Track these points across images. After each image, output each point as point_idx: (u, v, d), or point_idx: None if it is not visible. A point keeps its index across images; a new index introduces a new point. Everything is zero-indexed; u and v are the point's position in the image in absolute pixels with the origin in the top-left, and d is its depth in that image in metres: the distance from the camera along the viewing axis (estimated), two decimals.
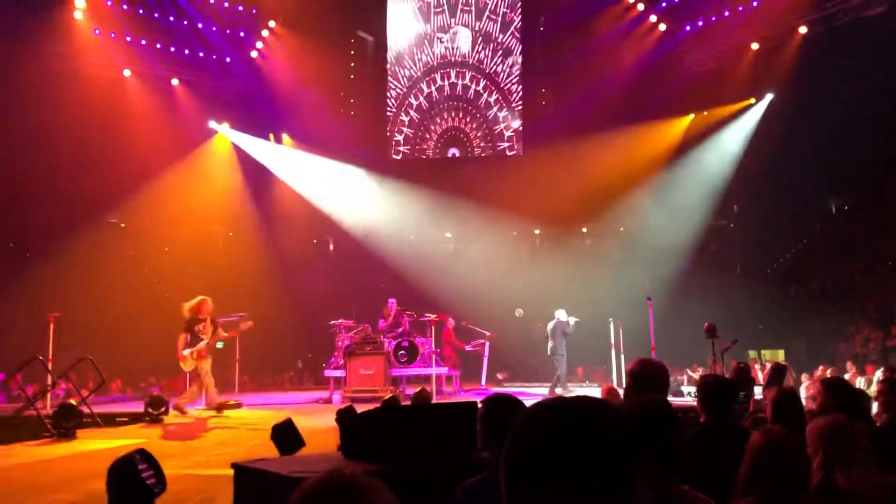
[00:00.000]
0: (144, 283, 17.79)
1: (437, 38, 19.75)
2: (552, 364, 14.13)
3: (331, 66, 18.99)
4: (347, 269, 18.83)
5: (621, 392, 7.82)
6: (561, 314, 14.16)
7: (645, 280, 16.36)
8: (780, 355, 14.93)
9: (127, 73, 17.66)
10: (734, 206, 18.45)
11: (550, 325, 14.18)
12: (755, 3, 16.18)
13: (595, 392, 11.67)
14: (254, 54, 19.03)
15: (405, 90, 19.92)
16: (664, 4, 17.58)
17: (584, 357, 16.81)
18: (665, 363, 5.06)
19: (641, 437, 2.33)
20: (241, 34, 18.94)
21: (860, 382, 12.14)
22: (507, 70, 19.36)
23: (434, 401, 10.17)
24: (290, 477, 3.73)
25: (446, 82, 19.77)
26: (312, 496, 1.45)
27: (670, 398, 3.90)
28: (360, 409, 6.40)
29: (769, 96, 16.91)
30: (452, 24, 19.68)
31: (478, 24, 19.56)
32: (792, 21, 15.92)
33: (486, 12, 19.48)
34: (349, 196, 19.09)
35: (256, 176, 19.02)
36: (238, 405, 12.39)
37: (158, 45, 18.00)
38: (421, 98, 19.84)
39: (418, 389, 9.05)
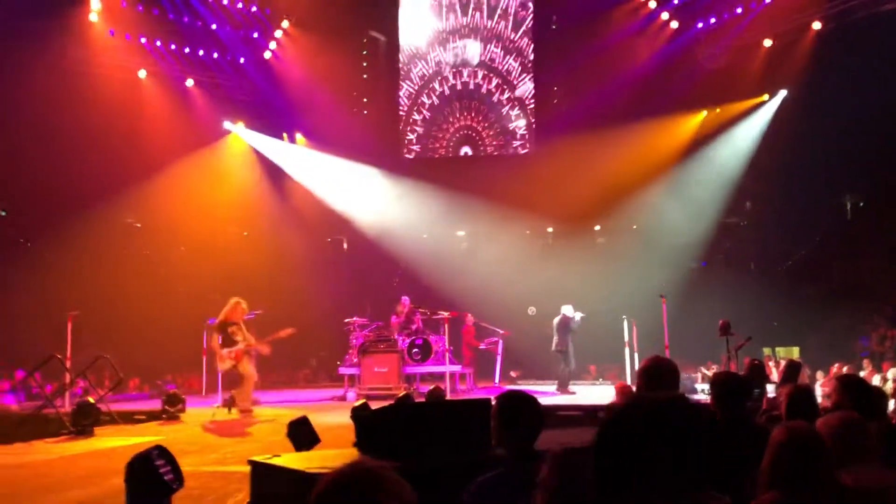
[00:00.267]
0: (160, 282, 17.91)
1: (449, 38, 19.76)
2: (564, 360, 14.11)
3: (343, 65, 19.05)
4: (361, 267, 18.90)
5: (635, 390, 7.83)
6: (567, 309, 14.13)
7: (658, 277, 16.32)
8: (795, 352, 14.87)
9: (142, 73, 17.79)
10: (747, 203, 18.36)
11: (556, 320, 14.16)
12: (768, 0, 16.09)
13: (608, 390, 11.67)
14: (267, 55, 19.13)
15: (417, 89, 19.96)
16: (676, 2, 17.51)
17: (597, 355, 16.80)
18: (678, 361, 5.08)
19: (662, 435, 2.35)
20: (255, 35, 19.04)
21: (876, 380, 12.07)
22: (519, 68, 19.35)
23: (448, 398, 10.22)
24: (306, 473, 3.78)
25: (458, 81, 19.79)
26: (336, 486, 1.49)
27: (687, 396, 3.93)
28: (375, 406, 6.45)
29: (782, 93, 16.80)
30: (464, 24, 19.68)
31: (489, 22, 19.56)
32: (806, 17, 15.82)
33: (498, 11, 19.48)
34: (362, 195, 19.14)
35: (270, 175, 19.11)
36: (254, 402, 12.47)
37: (173, 46, 18.13)
38: (433, 97, 19.87)
39: (432, 387, 9.09)
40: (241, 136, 18.96)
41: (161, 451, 3.86)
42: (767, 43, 16.44)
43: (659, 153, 17.47)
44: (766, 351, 15.22)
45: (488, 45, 19.61)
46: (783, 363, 11.99)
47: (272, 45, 19.14)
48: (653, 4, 17.60)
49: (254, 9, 18.75)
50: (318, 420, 6.51)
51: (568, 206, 17.51)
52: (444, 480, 3.57)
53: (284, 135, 19.40)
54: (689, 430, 1.28)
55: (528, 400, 3.56)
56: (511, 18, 19.37)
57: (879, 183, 17.16)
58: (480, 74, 19.65)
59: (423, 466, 3.90)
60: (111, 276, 16.73)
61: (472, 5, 19.61)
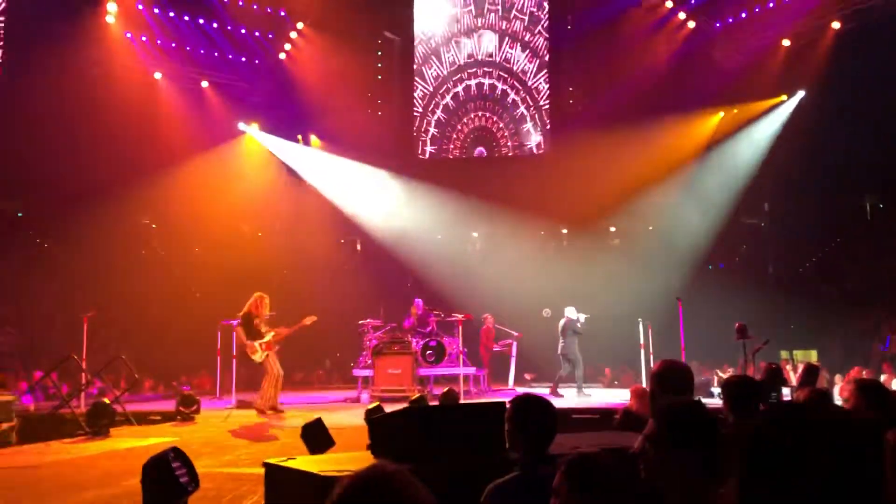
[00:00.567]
0: (175, 282, 18.01)
1: (464, 38, 19.74)
2: (570, 364, 13.98)
3: (358, 66, 19.08)
4: (375, 268, 18.90)
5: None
6: (570, 311, 13.99)
7: (674, 279, 16.22)
8: (813, 356, 14.72)
9: (158, 75, 17.91)
10: (765, 204, 18.22)
11: (561, 322, 14.05)
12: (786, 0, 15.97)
13: (624, 393, 11.60)
14: (282, 56, 19.19)
15: (432, 90, 19.95)
16: (693, 2, 17.40)
17: (612, 358, 16.71)
18: (694, 364, 5.03)
19: (680, 437, 2.32)
20: (270, 36, 19.11)
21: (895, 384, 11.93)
22: (535, 69, 19.30)
23: (461, 401, 10.20)
24: (320, 476, 3.77)
25: (473, 81, 19.77)
26: (357, 489, 1.48)
27: (703, 400, 3.88)
28: (388, 408, 6.44)
29: (801, 93, 16.66)
30: (479, 25, 19.67)
31: (505, 23, 19.53)
32: (825, 17, 15.67)
33: (514, 11, 19.44)
34: (376, 196, 19.16)
35: (284, 176, 19.16)
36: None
37: (188, 48, 18.24)
38: (448, 97, 19.86)
39: (446, 389, 9.08)
40: (256, 138, 19.03)
41: (177, 453, 3.85)
42: (786, 43, 16.30)
43: (675, 154, 17.36)
44: (784, 354, 15.08)
45: (503, 46, 19.57)
46: (801, 367, 11.87)
47: (287, 46, 19.19)
48: (669, 4, 17.49)
49: (269, 10, 18.81)
50: (332, 422, 6.50)
51: (583, 207, 17.45)
52: (459, 484, 3.54)
53: (299, 136, 19.44)
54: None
55: (542, 403, 3.54)
56: (526, 18, 19.33)
57: None
58: (495, 75, 19.61)
59: (438, 470, 3.88)
60: (126, 276, 16.85)
61: (486, 5, 19.59)
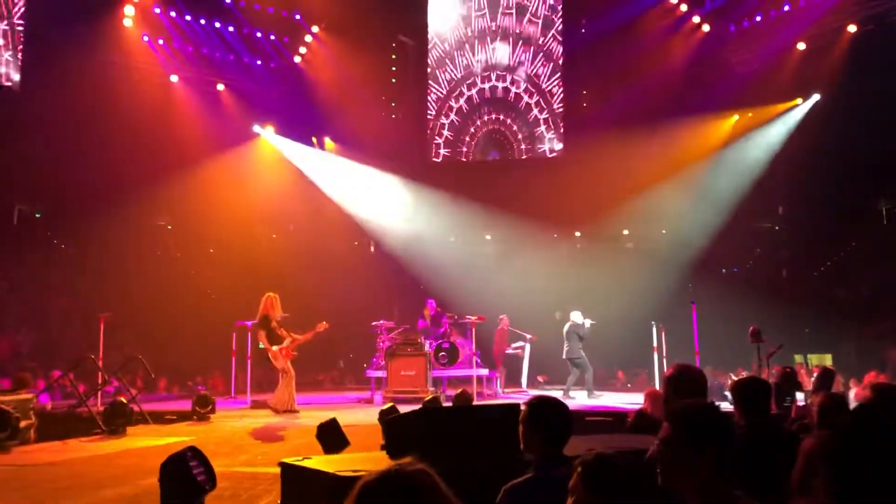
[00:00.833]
0: (189, 283, 18.14)
1: (478, 42, 19.78)
2: (578, 368, 13.92)
3: (372, 70, 19.14)
4: (388, 270, 18.95)
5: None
6: (576, 316, 13.91)
7: (688, 283, 16.17)
8: (828, 360, 14.64)
9: (174, 78, 18.06)
10: (780, 207, 18.14)
11: (566, 327, 13.99)
12: (802, 3, 15.88)
13: (636, 397, 11.58)
14: (297, 59, 19.30)
15: (446, 93, 19.99)
16: (708, 5, 17.36)
17: (625, 361, 16.69)
18: (707, 367, 5.02)
19: (695, 440, 2.34)
20: (285, 39, 19.22)
21: None
22: (549, 72, 19.31)
23: (475, 403, 10.20)
24: (336, 476, 3.80)
25: (487, 85, 19.79)
26: (381, 485, 1.51)
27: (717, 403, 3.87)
28: (402, 409, 6.48)
29: (816, 96, 16.58)
30: (493, 28, 19.69)
31: (518, 26, 19.54)
32: (841, 20, 15.59)
33: (527, 15, 19.46)
34: (390, 198, 19.20)
35: (299, 178, 19.24)
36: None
37: (204, 51, 18.38)
38: (461, 101, 19.90)
39: (459, 391, 9.08)
40: (270, 142, 19.13)
41: (195, 452, 3.91)
42: (801, 46, 16.23)
43: (689, 157, 17.30)
44: (798, 358, 15.00)
45: (517, 49, 19.59)
46: (815, 371, 11.80)
47: (302, 49, 19.30)
48: (684, 8, 17.46)
49: (284, 14, 18.93)
50: (345, 422, 6.55)
51: (596, 211, 17.43)
52: (473, 485, 3.57)
53: (314, 138, 19.53)
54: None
55: (557, 405, 3.56)
56: (540, 22, 19.33)
57: None
58: (509, 78, 19.63)
59: (452, 471, 3.91)
60: (142, 277, 17.00)
61: (500, 9, 19.61)
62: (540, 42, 19.36)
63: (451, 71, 19.97)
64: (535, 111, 19.38)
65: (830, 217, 17.23)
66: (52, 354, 15.33)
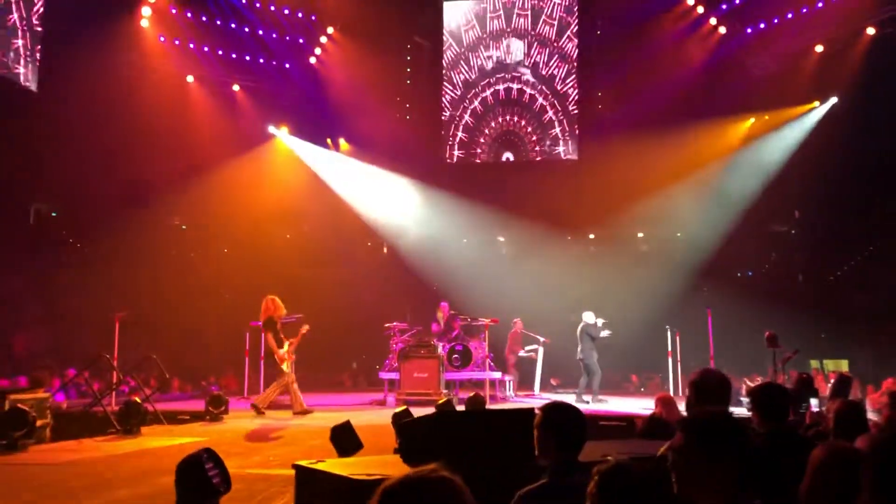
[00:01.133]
0: (204, 283, 18.23)
1: (493, 43, 19.77)
2: (587, 370, 13.83)
3: (387, 71, 19.17)
4: (401, 272, 18.96)
5: (677, 401, 7.69)
6: (588, 316, 13.78)
7: (702, 287, 16.08)
8: (844, 365, 14.53)
9: (190, 78, 18.16)
10: (796, 211, 18.00)
11: (579, 328, 13.89)
12: (820, 4, 15.75)
13: (648, 402, 11.52)
14: (312, 60, 19.35)
15: (460, 94, 19.99)
16: (724, 7, 17.26)
17: (639, 364, 16.62)
18: (722, 372, 4.96)
19: (708, 449, 2.32)
20: (301, 40, 19.28)
21: None
22: (564, 74, 19.26)
23: (488, 406, 10.19)
24: (351, 479, 3.80)
25: (501, 86, 19.77)
26: (407, 490, 1.50)
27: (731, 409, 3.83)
28: (414, 412, 6.47)
29: (833, 99, 16.44)
30: (508, 30, 19.67)
31: (534, 28, 19.51)
32: (860, 22, 15.45)
33: (543, 16, 19.42)
34: (403, 200, 19.22)
35: (313, 179, 19.29)
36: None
37: (220, 52, 18.47)
38: (476, 102, 19.88)
39: (472, 394, 9.07)
40: (285, 143, 19.19)
41: (210, 454, 3.92)
42: (819, 49, 16.11)
43: (705, 160, 17.21)
44: (814, 363, 14.90)
45: (532, 50, 19.56)
46: (832, 377, 11.71)
47: (317, 50, 19.35)
48: (700, 10, 17.37)
49: (300, 14, 18.99)
50: (358, 423, 6.55)
51: (610, 213, 17.38)
52: (487, 491, 3.56)
53: (328, 139, 19.58)
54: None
55: (573, 411, 3.55)
56: (555, 23, 19.29)
57: None
58: (524, 79, 19.60)
59: (467, 475, 3.90)
60: (157, 276, 17.09)
61: (516, 10, 19.58)
62: (555, 43, 19.31)
63: (466, 72, 19.96)
64: (550, 113, 19.34)
65: (847, 221, 17.07)
66: (67, 353, 15.43)
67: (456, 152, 19.97)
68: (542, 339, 15.39)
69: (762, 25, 16.85)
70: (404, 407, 7.75)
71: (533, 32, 19.51)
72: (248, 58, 18.82)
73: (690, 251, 17.29)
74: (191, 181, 17.05)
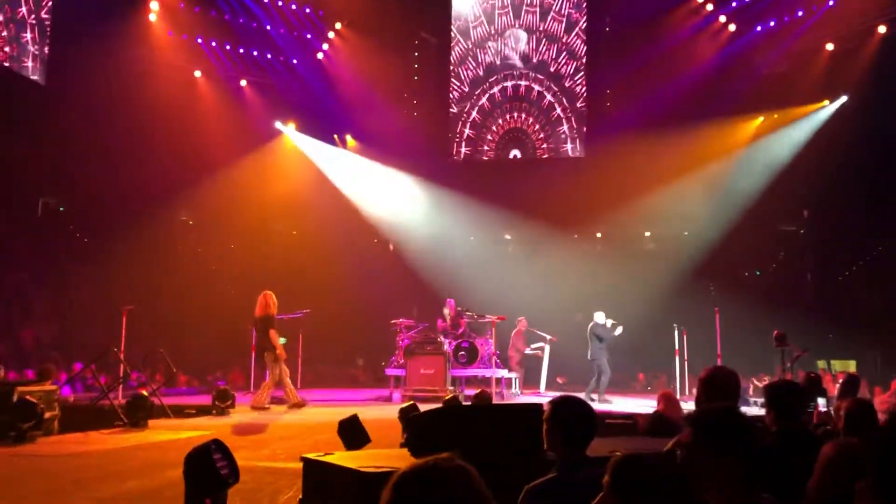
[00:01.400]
0: (211, 278, 18.26)
1: (500, 40, 19.73)
2: (596, 370, 13.77)
3: (395, 67, 19.16)
4: (408, 268, 18.97)
5: (679, 398, 7.67)
6: (599, 316, 13.70)
7: (710, 285, 16.05)
8: (851, 366, 14.46)
9: (197, 73, 18.19)
10: (804, 211, 17.92)
11: (589, 327, 13.82)
12: (831, 3, 15.67)
13: (653, 401, 11.49)
14: (320, 56, 19.35)
15: (467, 91, 19.97)
16: (734, 4, 17.19)
17: (646, 363, 16.59)
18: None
19: (715, 445, 2.31)
20: (308, 36, 19.29)
21: None
22: (572, 71, 19.22)
23: (494, 403, 10.17)
24: (359, 472, 3.79)
25: (509, 83, 19.74)
26: (421, 477, 1.50)
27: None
28: (420, 408, 6.46)
29: (843, 98, 16.36)
30: (516, 26, 19.64)
31: (542, 24, 19.47)
32: (870, 20, 15.37)
33: (551, 13, 19.38)
34: (410, 196, 19.21)
35: (320, 176, 19.31)
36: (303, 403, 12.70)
37: (228, 47, 18.49)
38: (483, 99, 19.86)
39: (479, 391, 9.07)
40: (291, 139, 19.20)
41: (218, 445, 3.92)
42: (830, 47, 16.02)
43: (713, 159, 17.15)
44: (821, 363, 14.83)
45: (540, 47, 19.52)
46: (840, 377, 11.66)
47: (325, 46, 19.35)
48: (710, 7, 17.31)
49: (307, 10, 19.00)
50: (364, 418, 6.54)
51: (618, 211, 17.33)
52: (496, 484, 3.55)
53: (335, 136, 19.58)
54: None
55: (581, 405, 3.54)
56: (564, 20, 19.25)
57: None
58: (531, 76, 19.56)
59: (475, 469, 3.88)
60: (164, 271, 17.13)
61: (524, 7, 19.54)
62: (564, 40, 19.27)
63: (473, 68, 19.94)
64: (558, 110, 19.30)
65: (856, 221, 16.99)
66: (75, 347, 15.49)
67: (463, 149, 19.95)
68: (548, 338, 15.35)
69: (772, 23, 16.78)
70: (411, 402, 7.76)
71: (541, 29, 19.47)
72: (255, 53, 18.85)
73: (698, 250, 17.22)
74: (198, 176, 17.08)
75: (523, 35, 19.56)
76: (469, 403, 8.79)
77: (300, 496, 4.66)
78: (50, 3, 16.30)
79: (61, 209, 18.00)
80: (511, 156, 19.66)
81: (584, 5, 19.10)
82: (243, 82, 18.79)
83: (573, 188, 17.60)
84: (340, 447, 5.90)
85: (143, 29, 17.01)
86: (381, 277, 18.65)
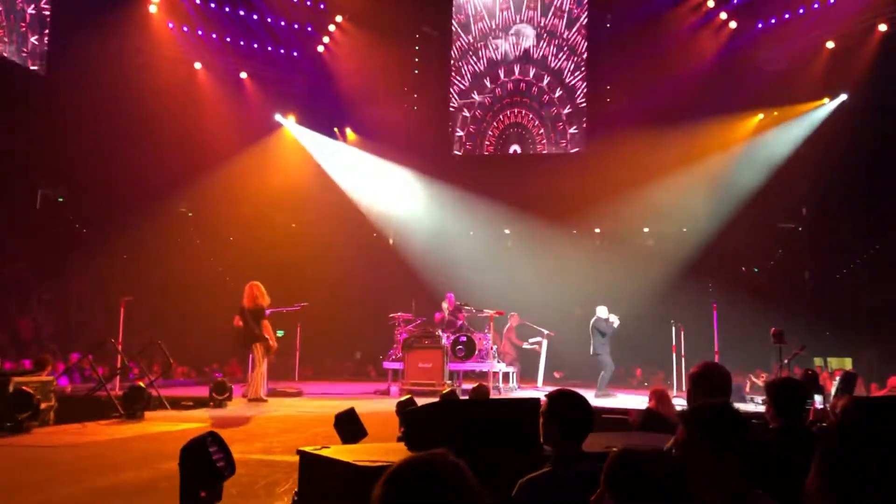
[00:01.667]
0: (209, 271, 18.26)
1: (502, 35, 19.70)
2: (599, 364, 13.75)
3: (395, 61, 19.13)
4: (407, 263, 18.97)
5: (672, 395, 7.68)
6: (601, 311, 13.66)
7: (708, 282, 16.05)
8: (848, 363, 14.49)
9: (198, 65, 18.14)
10: (803, 208, 17.92)
11: (591, 322, 13.80)
12: (831, 1, 15.65)
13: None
14: (321, 49, 19.31)
15: (468, 86, 19.94)
16: (735, 1, 17.16)
17: (643, 359, 16.60)
18: (727, 368, 4.95)
19: (716, 440, 2.31)
20: (309, 29, 19.24)
21: None
22: (572, 67, 19.20)
23: (491, 397, 10.19)
24: (355, 465, 3.80)
25: (510, 78, 19.72)
26: (413, 471, 1.50)
27: (735, 404, 3.81)
28: (418, 402, 6.47)
29: (843, 96, 16.35)
30: (517, 21, 19.60)
31: (543, 20, 19.44)
32: (871, 19, 15.35)
33: (552, 8, 19.34)
34: (409, 191, 19.20)
35: (319, 169, 19.29)
36: (298, 393, 12.76)
37: (228, 39, 18.45)
38: (484, 94, 19.84)
39: (476, 385, 9.07)
40: (291, 132, 19.17)
41: (214, 438, 3.92)
42: (830, 45, 16.01)
43: (712, 156, 17.15)
44: (818, 361, 14.86)
45: (541, 43, 19.49)
46: (837, 374, 11.69)
47: (325, 39, 19.31)
48: (711, 4, 17.28)
49: (308, 3, 18.95)
50: (361, 412, 6.55)
51: (617, 207, 17.33)
52: (492, 477, 3.56)
53: (336, 129, 19.55)
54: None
55: (577, 399, 3.54)
56: (565, 16, 19.22)
57: None
58: (532, 72, 19.54)
59: (471, 463, 3.89)
60: (162, 263, 17.12)
61: (525, 2, 19.51)
62: (564, 36, 19.25)
63: (474, 63, 19.90)
64: (558, 105, 19.29)
65: (854, 219, 17.00)
66: (73, 338, 15.50)
67: (463, 144, 19.93)
68: (546, 332, 15.37)
69: (773, 21, 16.76)
70: (409, 396, 7.76)
71: (542, 24, 19.43)
72: (256, 45, 18.80)
73: (696, 246, 17.23)
74: (198, 168, 17.07)
75: (531, 31, 19.51)
76: (466, 398, 8.80)
77: (296, 489, 4.67)
78: None
79: (60, 200, 17.97)
80: (511, 151, 19.65)
81: (586, 1, 19.07)
82: (243, 75, 18.75)
83: (572, 184, 17.59)
84: (338, 441, 5.91)
85: (142, 20, 16.98)
86: (379, 271, 18.65)
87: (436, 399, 7.49)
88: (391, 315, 14.65)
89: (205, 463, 3.79)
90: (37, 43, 16.10)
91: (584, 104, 19.09)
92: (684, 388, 13.03)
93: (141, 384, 10.25)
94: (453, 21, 19.93)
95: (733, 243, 17.05)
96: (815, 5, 15.91)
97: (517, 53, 19.65)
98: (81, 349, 13.12)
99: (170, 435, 8.02)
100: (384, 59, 18.59)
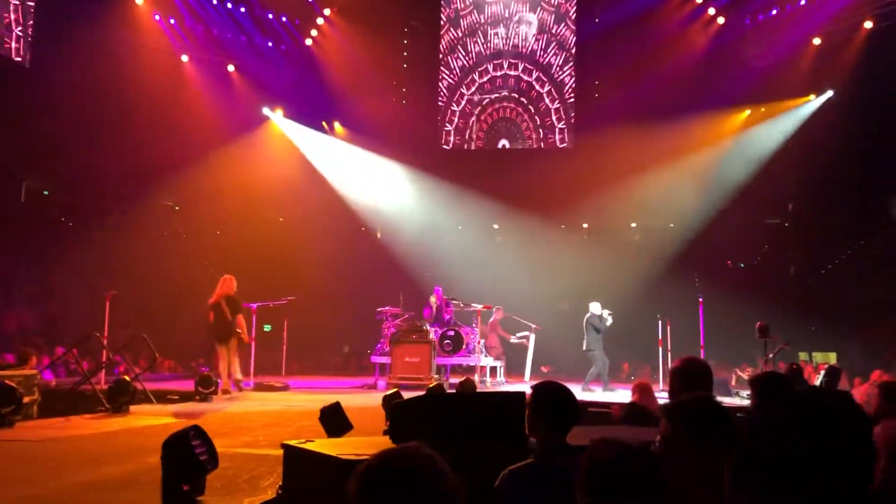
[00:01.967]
0: (195, 265, 18.15)
1: (491, 29, 19.66)
2: (593, 360, 13.78)
3: (384, 54, 19.04)
4: (395, 257, 18.94)
5: (658, 390, 7.72)
6: (594, 307, 13.68)
7: (694, 277, 16.12)
8: (832, 358, 14.62)
9: (184, 58, 18.02)
10: (789, 204, 18.02)
11: (585, 318, 13.81)
12: None
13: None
14: (309, 42, 19.22)
15: (457, 80, 19.90)
16: None
17: (630, 353, 16.67)
18: (711, 362, 4.98)
19: (699, 434, 2.30)
20: (297, 22, 19.14)
21: None
22: (561, 62, 19.19)
23: (478, 391, 10.21)
24: (339, 459, 3.79)
25: (499, 73, 19.69)
26: (386, 464, 1.49)
27: (720, 398, 3.82)
28: (405, 396, 6.47)
29: (829, 93, 16.44)
30: (506, 16, 19.57)
31: (532, 15, 19.42)
32: (857, 15, 15.44)
33: (541, 3, 19.33)
34: (397, 185, 19.15)
35: (307, 162, 19.21)
36: (285, 387, 12.73)
37: (215, 32, 18.33)
38: (473, 88, 19.80)
39: (463, 379, 9.11)
40: (279, 125, 19.07)
41: (197, 431, 3.91)
42: (817, 41, 16.09)
43: (700, 151, 17.21)
44: (803, 356, 14.97)
45: (529, 38, 19.47)
46: (821, 368, 11.76)
47: (314, 32, 19.21)
48: (699, 0, 17.33)
49: None
50: (348, 406, 6.54)
51: (605, 203, 17.37)
52: (477, 469, 3.56)
53: (324, 122, 19.47)
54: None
55: (562, 391, 3.54)
56: (554, 11, 19.21)
57: None
58: (521, 67, 19.52)
59: (457, 456, 3.89)
60: (148, 257, 17.01)
61: None
62: (553, 31, 19.24)
63: (463, 58, 19.87)
64: (547, 101, 19.28)
65: (840, 216, 17.12)
66: (57, 331, 15.39)
67: (452, 138, 19.89)
68: (533, 326, 15.40)
69: (760, 17, 16.82)
70: (395, 389, 7.76)
71: (531, 19, 19.41)
72: (243, 38, 18.69)
73: (683, 242, 17.30)
74: (184, 162, 16.95)
75: (515, 27, 19.48)
76: (453, 391, 8.82)
77: (280, 483, 4.66)
78: None
79: (45, 193, 17.82)
80: (499, 146, 19.63)
81: None
82: (231, 67, 18.63)
83: (561, 179, 17.60)
84: (324, 435, 5.90)
85: (129, 12, 16.84)
86: (367, 265, 18.62)
87: (422, 393, 7.49)
88: (379, 309, 14.63)
89: (187, 456, 3.78)
90: (21, 34, 15.93)
91: (573, 99, 19.10)
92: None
93: (126, 378, 10.20)
94: (442, 15, 19.88)
95: (720, 238, 17.13)
96: (802, 2, 15.98)
97: (506, 48, 19.62)
98: (66, 343, 13.02)
99: (154, 429, 7.97)
100: (372, 53, 18.52)
